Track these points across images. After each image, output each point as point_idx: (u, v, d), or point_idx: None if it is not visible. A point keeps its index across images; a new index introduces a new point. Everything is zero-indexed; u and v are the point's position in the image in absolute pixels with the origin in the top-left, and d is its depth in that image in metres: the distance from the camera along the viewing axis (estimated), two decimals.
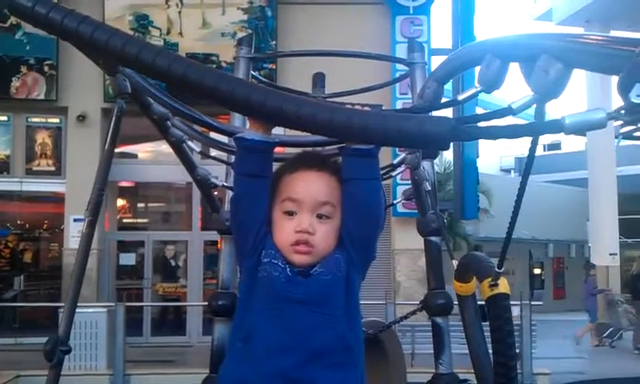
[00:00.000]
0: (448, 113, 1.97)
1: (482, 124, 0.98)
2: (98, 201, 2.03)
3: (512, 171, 30.61)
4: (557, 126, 0.81)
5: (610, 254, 15.32)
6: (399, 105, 12.15)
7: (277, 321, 1.58)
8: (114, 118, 1.81)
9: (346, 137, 0.81)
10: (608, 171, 15.37)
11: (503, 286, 1.89)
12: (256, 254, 1.62)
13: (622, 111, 0.89)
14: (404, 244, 11.95)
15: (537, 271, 23.73)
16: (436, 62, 13.18)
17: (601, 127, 0.92)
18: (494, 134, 0.81)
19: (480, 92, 1.42)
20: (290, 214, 1.62)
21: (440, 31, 14.69)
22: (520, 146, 24.50)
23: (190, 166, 2.87)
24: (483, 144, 14.75)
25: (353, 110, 0.80)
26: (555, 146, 29.55)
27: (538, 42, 1.18)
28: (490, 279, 1.90)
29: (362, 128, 0.76)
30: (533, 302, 9.91)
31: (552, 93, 1.11)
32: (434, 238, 3.25)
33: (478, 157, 13.14)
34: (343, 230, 1.62)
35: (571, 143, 25.96)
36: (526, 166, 1.35)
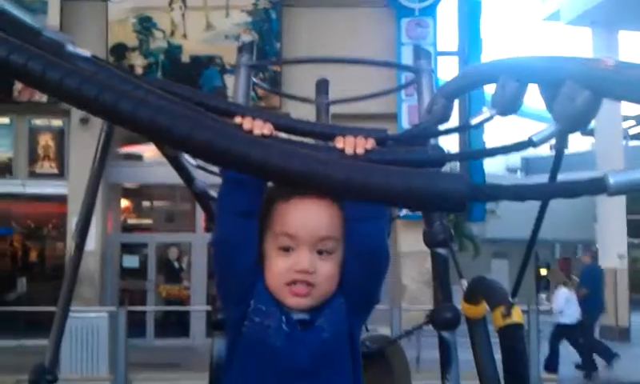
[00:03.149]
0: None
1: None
2: (85, 224, 1.93)
3: (518, 171, 30.43)
4: (599, 187, 0.69)
5: (618, 256, 15.16)
6: (404, 107, 12.06)
7: None
8: (101, 141, 1.70)
9: (343, 196, 0.69)
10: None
11: (517, 315, 1.77)
12: (243, 304, 1.38)
13: None
14: (409, 247, 11.82)
15: (543, 272, 23.60)
16: (442, 64, 13.15)
17: None
18: (520, 195, 0.69)
19: (495, 115, 1.31)
20: (286, 250, 1.37)
21: (446, 33, 14.60)
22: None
23: (188, 179, 2.77)
24: (489, 143, 14.63)
25: (353, 165, 0.68)
26: None
27: (560, 64, 1.06)
28: (502, 308, 1.78)
29: (362, 187, 0.65)
30: (540, 307, 9.77)
31: (578, 123, 0.99)
32: (441, 250, 3.14)
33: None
34: (345, 274, 1.40)
35: (578, 143, 25.82)
36: (541, 210, 1.23)
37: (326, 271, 1.38)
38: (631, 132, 25.19)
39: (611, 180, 0.69)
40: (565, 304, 10.02)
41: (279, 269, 1.37)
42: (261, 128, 1.18)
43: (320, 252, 1.38)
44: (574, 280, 12.59)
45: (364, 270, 1.39)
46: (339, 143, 1.19)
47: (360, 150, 1.16)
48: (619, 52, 16.06)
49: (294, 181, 0.68)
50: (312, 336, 1.38)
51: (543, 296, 20.08)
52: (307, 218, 1.36)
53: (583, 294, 11.02)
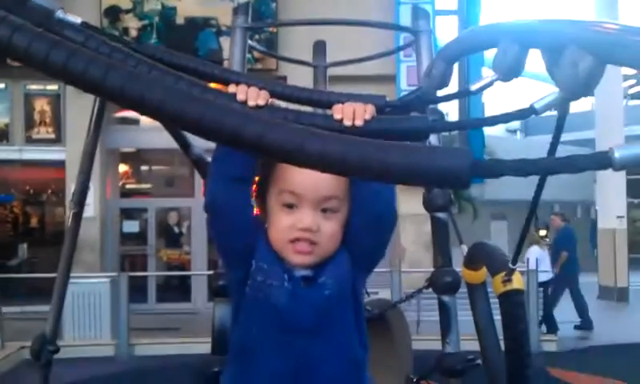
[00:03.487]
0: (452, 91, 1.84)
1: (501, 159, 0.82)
2: (82, 192, 1.92)
3: (518, 132, 30.36)
4: (604, 161, 0.67)
5: (618, 217, 15.17)
6: (403, 68, 11.93)
7: (282, 351, 1.38)
8: (95, 110, 1.67)
9: (340, 172, 0.66)
10: (616, 132, 15.13)
11: (517, 281, 1.77)
12: (245, 265, 1.39)
13: None
14: (409, 209, 11.76)
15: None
16: (440, 23, 12.98)
17: None
18: (523, 170, 0.67)
19: (496, 80, 1.28)
20: (290, 207, 1.38)
21: None
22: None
23: (184, 146, 2.75)
24: (489, 105, 14.56)
25: (350, 140, 0.65)
26: None
27: (563, 29, 1.02)
28: (503, 274, 1.78)
29: (359, 163, 0.62)
30: (539, 268, 9.81)
31: (582, 90, 0.96)
32: (440, 214, 3.14)
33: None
34: (350, 232, 1.40)
35: (578, 104, 25.60)
36: (540, 183, 1.20)
37: (330, 230, 1.38)
38: (631, 91, 25.04)
39: (616, 154, 0.66)
40: (537, 262, 10.05)
41: (282, 225, 1.38)
42: (255, 98, 1.16)
43: (324, 210, 1.38)
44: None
45: (371, 227, 1.38)
46: (337, 113, 1.16)
47: (359, 122, 1.14)
48: (619, 14, 15.83)
49: (289, 158, 0.65)
50: (315, 293, 1.38)
51: None
52: (311, 176, 1.32)
53: (564, 258, 11.11)
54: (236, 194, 1.35)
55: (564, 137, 1.23)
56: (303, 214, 1.37)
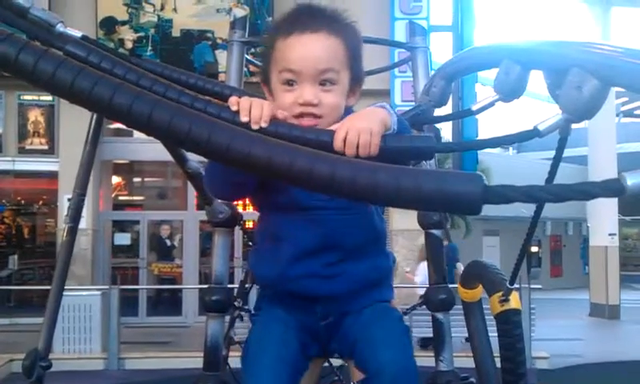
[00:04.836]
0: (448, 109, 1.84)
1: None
2: (78, 206, 1.90)
3: (510, 148, 30.45)
4: (616, 188, 0.66)
5: (609, 234, 15.21)
6: (397, 84, 11.96)
7: (306, 226, 1.49)
8: (93, 123, 1.66)
9: (349, 196, 0.65)
10: (609, 149, 15.21)
11: (514, 301, 1.76)
12: (263, 185, 1.48)
13: None
14: (402, 224, 11.82)
15: (534, 249, 23.75)
16: (435, 39, 13.03)
17: None
18: (534, 197, 0.66)
19: (497, 101, 1.28)
20: (290, 84, 1.45)
21: (439, 7, 14.42)
22: (521, 125, 24.33)
23: (181, 160, 2.74)
24: (482, 122, 14.58)
25: (360, 164, 0.64)
26: None
27: (567, 51, 1.02)
28: (500, 293, 1.77)
29: (370, 188, 0.61)
30: (532, 286, 9.81)
31: (586, 113, 0.96)
32: (435, 231, 3.13)
33: (477, 136, 12.96)
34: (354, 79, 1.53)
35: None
36: (539, 208, 1.20)
37: (331, 101, 1.44)
38: (623, 108, 25.17)
39: (629, 181, 0.66)
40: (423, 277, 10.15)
41: (285, 104, 1.43)
42: (257, 121, 1.15)
43: (323, 83, 1.44)
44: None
45: None
46: (338, 146, 1.15)
47: (364, 153, 1.15)
48: (611, 29, 15.97)
49: (295, 179, 0.65)
50: None
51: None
52: (306, 51, 1.43)
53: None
54: (239, 192, 1.51)
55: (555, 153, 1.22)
56: (303, 89, 1.43)
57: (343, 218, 1.50)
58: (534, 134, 0.98)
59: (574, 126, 1.06)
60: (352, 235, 1.52)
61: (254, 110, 1.17)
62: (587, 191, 0.67)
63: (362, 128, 1.17)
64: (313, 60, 1.43)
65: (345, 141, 1.15)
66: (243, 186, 1.45)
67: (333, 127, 1.24)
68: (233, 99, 1.21)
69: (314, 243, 1.50)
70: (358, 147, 1.15)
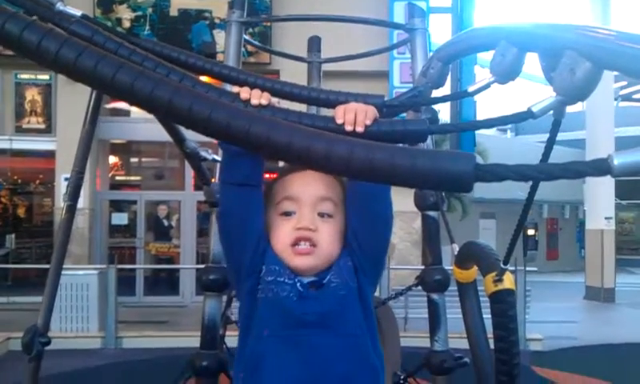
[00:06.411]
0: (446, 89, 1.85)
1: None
2: (77, 185, 1.91)
3: (508, 131, 30.45)
4: (603, 167, 0.68)
5: (606, 218, 15.26)
6: (396, 65, 11.94)
7: (292, 350, 1.38)
8: (92, 102, 1.67)
9: (344, 174, 0.67)
10: (607, 133, 15.21)
11: (508, 281, 1.78)
12: (255, 272, 1.42)
13: None
14: (398, 206, 11.72)
15: (530, 232, 23.82)
16: (434, 21, 12.98)
17: None
18: (525, 174, 0.68)
19: (493, 83, 1.29)
20: (288, 214, 1.46)
21: None
22: (519, 108, 24.20)
23: (179, 139, 2.74)
24: (480, 104, 14.58)
25: (355, 142, 0.66)
26: None
27: (562, 34, 1.03)
28: (494, 274, 1.79)
29: (364, 165, 0.63)
30: (527, 268, 9.86)
31: (579, 95, 0.97)
32: (431, 213, 3.16)
33: (475, 117, 12.97)
34: (349, 230, 1.45)
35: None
36: (532, 189, 1.21)
37: (327, 232, 1.45)
38: (622, 93, 25.14)
39: (615, 161, 0.68)
40: None
41: (283, 232, 1.44)
42: (258, 98, 1.18)
43: (321, 215, 1.46)
44: None
45: (369, 227, 1.44)
46: (339, 118, 1.19)
47: (360, 128, 1.16)
48: (611, 19, 15.90)
49: (293, 157, 0.66)
50: (323, 292, 1.42)
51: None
52: (306, 182, 1.46)
53: None
54: (247, 198, 1.40)
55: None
56: (302, 215, 1.44)
57: (332, 340, 1.39)
58: (527, 115, 1.00)
59: (571, 109, 1.08)
60: (342, 363, 1.39)
61: (254, 91, 1.21)
62: (576, 170, 0.69)
63: (357, 108, 1.20)
64: (312, 188, 1.46)
65: (345, 110, 1.19)
66: (250, 186, 1.41)
67: None
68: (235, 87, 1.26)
69: (297, 371, 1.37)
70: (355, 121, 1.17)
